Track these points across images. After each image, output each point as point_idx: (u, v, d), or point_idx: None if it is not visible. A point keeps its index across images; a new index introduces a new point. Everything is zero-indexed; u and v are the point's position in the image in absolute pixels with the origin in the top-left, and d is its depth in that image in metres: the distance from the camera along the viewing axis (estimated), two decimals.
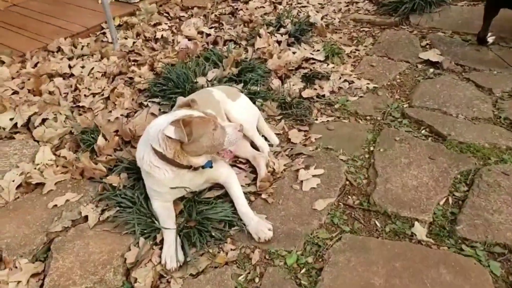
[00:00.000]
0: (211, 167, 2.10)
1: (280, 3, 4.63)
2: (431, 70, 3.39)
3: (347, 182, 2.36)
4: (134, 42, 3.77)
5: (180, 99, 2.13)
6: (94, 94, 2.99)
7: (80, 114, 2.82)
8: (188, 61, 3.30)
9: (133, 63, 3.46)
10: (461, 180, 2.31)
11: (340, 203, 2.23)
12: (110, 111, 2.80)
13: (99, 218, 2.06)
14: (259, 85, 3.09)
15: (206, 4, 4.61)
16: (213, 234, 2.01)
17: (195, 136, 1.91)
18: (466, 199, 2.18)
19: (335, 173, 2.40)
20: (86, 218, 2.07)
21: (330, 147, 2.61)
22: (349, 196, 2.28)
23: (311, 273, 1.88)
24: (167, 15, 4.32)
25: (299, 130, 2.78)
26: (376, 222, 2.12)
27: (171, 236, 1.95)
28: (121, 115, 2.73)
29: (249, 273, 1.88)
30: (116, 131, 2.57)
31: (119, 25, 4.08)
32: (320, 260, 1.93)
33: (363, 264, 1.87)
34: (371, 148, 2.60)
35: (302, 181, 2.33)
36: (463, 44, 3.63)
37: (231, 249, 1.97)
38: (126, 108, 2.82)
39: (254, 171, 2.42)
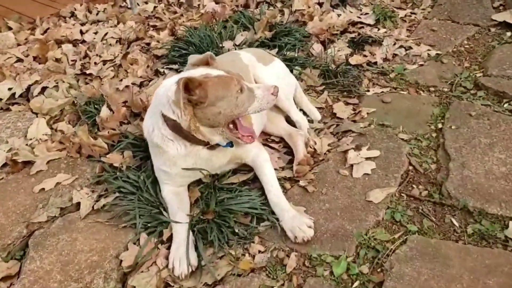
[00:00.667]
0: (232, 146, 1.63)
1: None
2: (508, 34, 2.76)
3: (411, 167, 1.84)
4: (155, 7, 3.33)
5: (194, 57, 1.66)
6: (104, 62, 2.57)
7: (86, 83, 2.41)
8: (213, 25, 2.82)
9: (151, 28, 3.03)
10: None
11: (402, 194, 1.72)
12: (121, 80, 2.38)
13: (93, 206, 1.64)
14: (296, 50, 2.58)
15: None
16: (237, 230, 1.55)
17: (212, 99, 1.46)
18: None
19: (394, 156, 1.87)
20: (78, 205, 1.65)
21: (386, 124, 2.08)
22: (414, 185, 1.76)
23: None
24: None
25: (347, 104, 2.26)
26: (453, 221, 1.59)
27: (183, 232, 1.51)
28: (133, 83, 2.29)
29: (282, 284, 1.41)
30: (125, 102, 2.14)
31: None
32: (379, 270, 1.43)
33: (440, 279, 1.36)
34: (439, 125, 2.05)
35: (352, 165, 1.83)
36: None
37: (259, 252, 1.51)
38: (140, 77, 2.39)
39: (289, 152, 1.94)
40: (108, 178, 1.71)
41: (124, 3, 3.51)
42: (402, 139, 1.97)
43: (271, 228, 1.60)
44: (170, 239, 1.52)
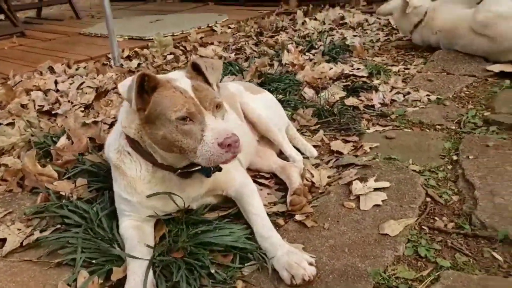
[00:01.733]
0: (209, 176, 1.32)
1: (309, 37, 4.13)
2: (507, 81, 2.64)
3: (428, 199, 1.51)
4: (139, 64, 3.24)
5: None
6: (75, 105, 2.35)
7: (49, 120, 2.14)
8: None
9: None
10: None
11: (423, 227, 1.37)
12: (87, 116, 2.12)
13: (22, 242, 1.26)
14: (288, 93, 2.41)
15: (228, 39, 4.17)
16: (213, 271, 1.17)
17: (152, 113, 1.18)
18: None
19: (407, 187, 1.56)
20: (4, 242, 1.28)
21: (393, 157, 1.80)
22: (436, 218, 1.42)
23: None
24: (183, 48, 3.86)
25: (346, 141, 2.00)
26: (494, 254, 1.23)
27: (140, 271, 1.13)
28: (102, 121, 2.02)
29: None
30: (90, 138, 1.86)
31: (128, 56, 3.62)
32: None
33: None
34: (454, 158, 1.77)
35: (358, 197, 1.51)
36: None
37: None
38: (113, 117, 2.12)
39: (282, 189, 1.63)
40: (50, 207, 1.35)
41: (107, 62, 3.44)
42: (414, 170, 1.68)
43: (258, 270, 1.22)
44: (122, 280, 1.13)
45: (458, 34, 3.06)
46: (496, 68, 2.82)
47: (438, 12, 3.21)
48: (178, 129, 1.15)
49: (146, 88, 1.19)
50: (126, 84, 1.18)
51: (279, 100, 2.29)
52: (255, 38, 4.05)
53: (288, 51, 2.98)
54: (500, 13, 2.78)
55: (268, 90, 2.41)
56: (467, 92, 2.58)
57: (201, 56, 3.22)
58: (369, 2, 5.16)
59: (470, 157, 1.73)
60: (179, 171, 1.28)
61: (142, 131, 1.22)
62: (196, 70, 1.29)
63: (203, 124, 1.16)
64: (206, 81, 1.27)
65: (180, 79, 1.26)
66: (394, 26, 4.22)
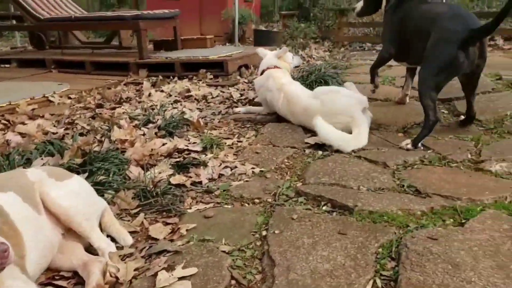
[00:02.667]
0: None
1: (153, 109, 4.17)
2: (320, 152, 3.03)
3: (233, 282, 1.56)
4: None
5: None
6: None
7: None
8: (7, 154, 2.43)
9: None
10: (385, 255, 1.69)
11: None
12: None
13: None
14: (111, 174, 2.32)
15: (63, 111, 3.94)
16: None
17: None
18: (398, 276, 1.53)
19: (213, 271, 1.59)
20: None
21: (207, 238, 1.84)
22: None
23: None
24: (6, 122, 3.48)
25: (166, 224, 1.99)
26: None
27: None
28: None
29: None
30: None
31: None
32: None
33: None
34: (263, 233, 1.90)
35: None
36: None
37: None
38: None
39: None
40: None
41: None
42: (224, 251, 1.74)
43: None
44: None
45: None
46: (312, 140, 3.23)
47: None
48: None
49: None
50: None
51: (100, 182, 2.20)
52: (94, 110, 3.91)
53: (120, 126, 2.93)
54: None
55: (90, 171, 2.31)
56: (287, 164, 2.87)
57: (20, 133, 2.94)
58: (215, 76, 5.52)
59: (276, 231, 1.88)
60: None
61: None
62: None
63: None
64: None
65: None
66: (236, 98, 4.59)
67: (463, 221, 1.97)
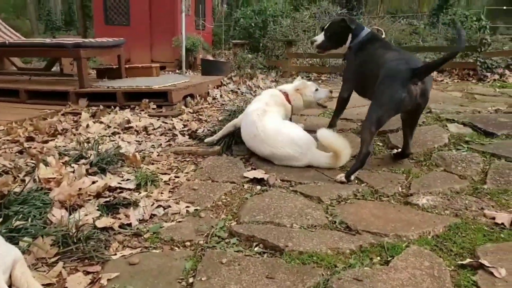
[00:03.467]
0: None
1: (88, 142, 4.00)
2: (258, 187, 3.04)
3: None
4: None
5: None
6: None
7: None
8: None
9: None
10: None
11: None
12: None
13: None
14: (30, 219, 2.17)
15: None
16: None
17: None
18: None
19: None
20: None
21: None
22: None
23: None
24: None
25: (86, 273, 1.86)
26: None
27: None
28: None
29: None
30: None
31: None
32: None
33: None
34: (190, 280, 1.83)
35: None
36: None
37: None
38: None
39: None
40: None
41: None
42: None
43: None
44: None
45: None
46: (250, 175, 3.23)
47: None
48: None
49: None
50: None
51: (16, 229, 2.04)
52: (22, 144, 3.68)
53: (47, 164, 2.77)
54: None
55: (5, 216, 2.14)
56: (224, 200, 2.83)
57: None
58: (159, 106, 5.43)
59: (203, 278, 1.82)
60: None
61: None
62: None
63: None
64: None
65: None
66: (179, 129, 4.52)
67: (389, 258, 2.03)
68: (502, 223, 2.40)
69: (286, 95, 3.95)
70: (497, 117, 4.40)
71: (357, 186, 2.99)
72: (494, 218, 2.46)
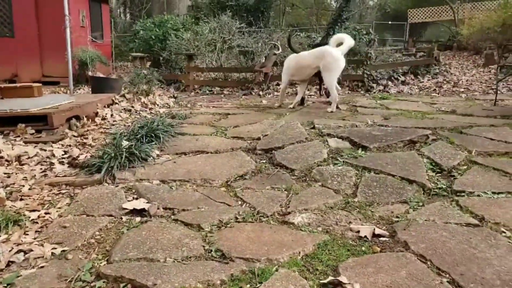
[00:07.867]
0: None
1: None
2: (138, 218, 2.91)
3: None
4: None
5: None
6: None
7: None
8: None
9: None
10: None
11: None
12: None
13: None
14: None
15: None
16: None
17: None
18: None
19: None
20: None
21: None
22: None
23: None
24: None
25: None
26: None
27: None
28: None
29: None
30: None
31: None
32: None
33: None
34: None
35: None
36: (171, 190, 3.39)
37: None
38: None
39: None
40: None
41: None
42: None
43: None
44: None
45: None
46: (129, 205, 3.08)
47: None
48: None
49: None
50: None
51: None
52: None
53: None
54: None
55: None
56: (98, 237, 2.66)
57: None
58: (38, 131, 4.96)
59: None
60: None
61: None
62: None
63: None
64: None
65: None
66: (58, 157, 4.16)
67: (258, 285, 2.07)
68: (365, 236, 2.61)
69: None
70: (371, 130, 4.81)
71: (239, 208, 3.03)
72: (358, 232, 2.66)
